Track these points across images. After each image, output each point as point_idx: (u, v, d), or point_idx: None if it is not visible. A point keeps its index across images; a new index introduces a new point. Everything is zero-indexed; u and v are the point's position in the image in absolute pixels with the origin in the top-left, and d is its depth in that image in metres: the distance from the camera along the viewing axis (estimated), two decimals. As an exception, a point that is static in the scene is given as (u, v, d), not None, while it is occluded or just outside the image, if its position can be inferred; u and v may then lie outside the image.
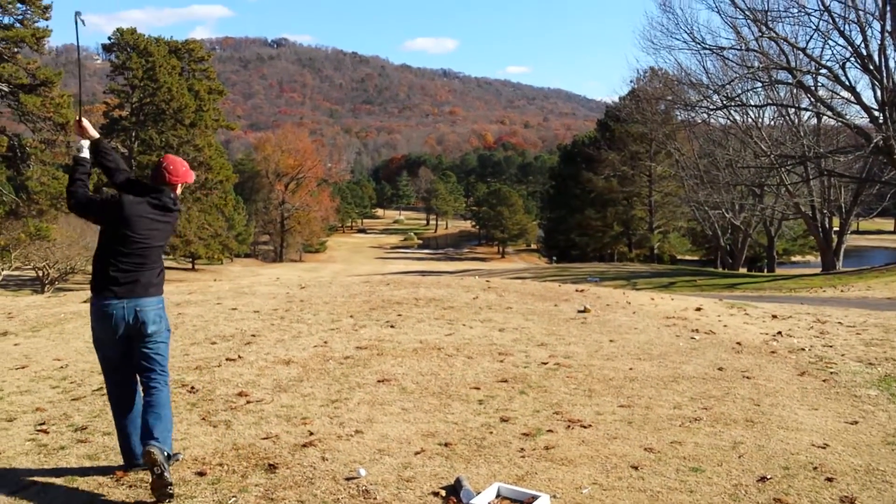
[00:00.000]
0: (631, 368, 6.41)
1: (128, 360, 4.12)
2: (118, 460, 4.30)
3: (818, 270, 32.63)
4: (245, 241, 67.50)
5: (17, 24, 33.61)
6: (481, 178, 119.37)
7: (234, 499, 3.81)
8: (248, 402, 5.35)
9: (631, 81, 50.41)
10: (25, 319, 8.73)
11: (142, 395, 4.14)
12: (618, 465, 4.32)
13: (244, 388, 5.69)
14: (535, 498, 3.80)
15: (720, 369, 6.45)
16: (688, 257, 59.78)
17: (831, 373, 6.48)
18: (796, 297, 15.91)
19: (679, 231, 57.00)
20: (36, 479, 4.01)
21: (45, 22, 34.78)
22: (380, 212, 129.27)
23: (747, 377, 6.22)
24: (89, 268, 37.15)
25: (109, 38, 49.72)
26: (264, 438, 4.65)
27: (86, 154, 4.19)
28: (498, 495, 3.91)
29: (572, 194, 57.30)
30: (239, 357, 6.60)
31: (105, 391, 4.36)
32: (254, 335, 7.49)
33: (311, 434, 4.70)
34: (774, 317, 10.04)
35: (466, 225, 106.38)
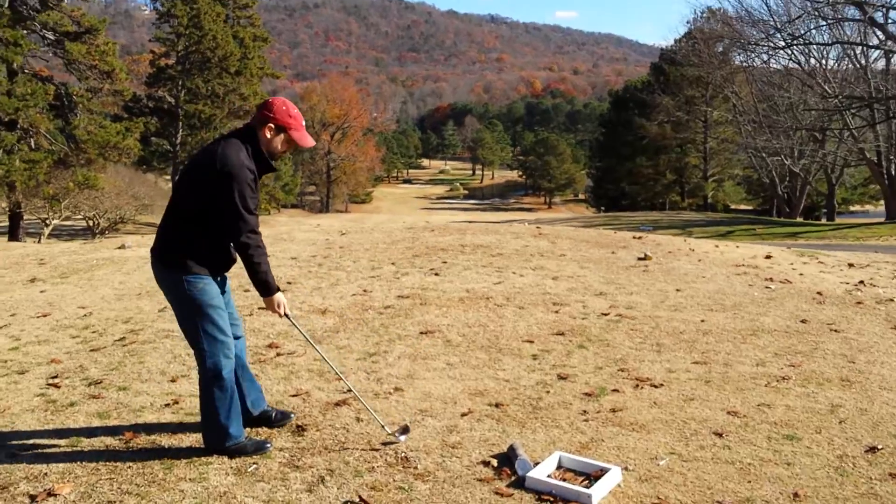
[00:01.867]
0: (703, 320, 5.75)
1: None
2: (130, 419, 3.87)
3: (882, 220, 31.02)
4: (292, 192, 67.59)
5: (61, -30, 33.33)
6: (528, 126, 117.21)
7: (254, 465, 3.33)
8: (279, 355, 4.87)
9: (688, 22, 48.22)
10: (56, 266, 8.43)
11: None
12: (698, 431, 3.72)
13: (275, 339, 5.22)
14: (603, 471, 3.23)
15: (803, 321, 5.75)
16: (742, 207, 57.89)
17: (931, 326, 5.73)
18: (867, 246, 14.87)
19: (734, 179, 55.06)
20: (37, 440, 3.59)
21: (90, -32, 34.43)
22: (425, 162, 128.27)
23: (835, 330, 5.51)
24: (139, 217, 37.58)
25: (158, -13, 49.36)
26: (293, 395, 4.17)
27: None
28: (559, 466, 3.36)
29: (623, 141, 55.52)
30: (272, 305, 6.13)
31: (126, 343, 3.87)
32: (289, 282, 7.01)
33: (347, 392, 4.19)
34: (851, 265, 9.22)
35: (513, 175, 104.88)
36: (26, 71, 31.30)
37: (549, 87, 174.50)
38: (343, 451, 3.47)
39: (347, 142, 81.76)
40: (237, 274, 6.75)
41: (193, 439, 3.59)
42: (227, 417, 3.40)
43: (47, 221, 32.35)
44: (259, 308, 6.07)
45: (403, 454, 3.43)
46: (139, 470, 3.27)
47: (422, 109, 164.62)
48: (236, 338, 3.65)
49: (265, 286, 3.44)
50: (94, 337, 5.42)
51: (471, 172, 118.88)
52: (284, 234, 10.27)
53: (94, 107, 36.99)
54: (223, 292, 3.58)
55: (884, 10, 24.23)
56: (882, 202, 42.18)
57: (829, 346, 5.13)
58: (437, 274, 7.36)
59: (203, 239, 3.34)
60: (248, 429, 3.61)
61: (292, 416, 3.84)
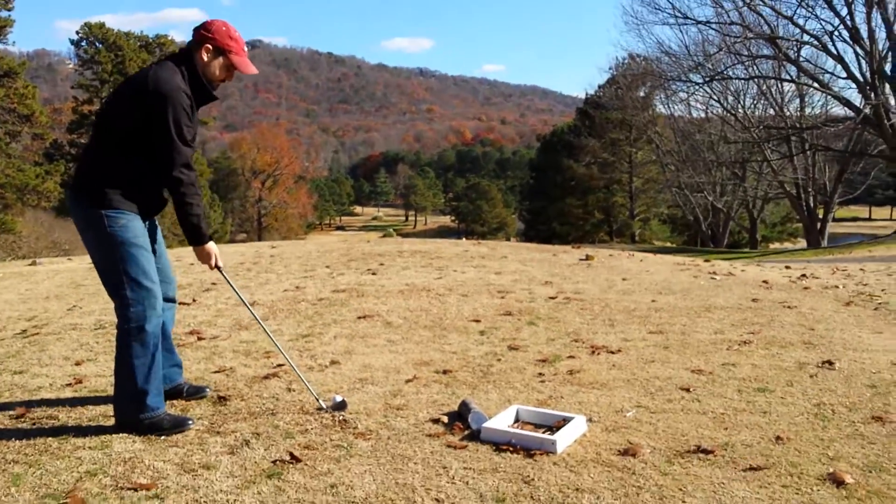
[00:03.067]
0: (653, 301, 5.52)
1: None
2: (24, 397, 3.34)
3: (804, 249, 32.10)
4: (221, 239, 65.98)
5: (-21, 15, 32.19)
6: (460, 173, 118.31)
7: (164, 434, 2.85)
8: (200, 340, 4.38)
9: (610, 68, 49.70)
10: (-45, 280, 7.67)
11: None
12: (663, 387, 3.42)
13: (196, 327, 4.72)
14: (566, 420, 2.89)
15: (755, 300, 5.57)
16: (668, 244, 59.29)
17: (880, 303, 5.64)
18: (796, 260, 15.13)
19: (660, 217, 56.54)
20: None
21: (8, 12, 33.42)
22: (358, 209, 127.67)
23: (788, 307, 5.35)
24: (54, 264, 35.88)
25: (77, 33, 48.15)
26: (216, 372, 3.70)
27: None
28: (517, 420, 2.99)
29: (553, 183, 56.51)
30: (194, 301, 5.62)
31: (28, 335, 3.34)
32: (214, 283, 6.49)
33: (276, 367, 3.75)
34: (788, 267, 9.25)
35: (446, 220, 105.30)
36: (-60, 113, 29.88)
37: (478, 137, 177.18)
38: (272, 416, 3.03)
39: (279, 189, 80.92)
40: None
41: (98, 412, 3.10)
42: (146, 381, 2.89)
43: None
44: (179, 303, 5.55)
45: (342, 417, 3.01)
46: (30, 441, 2.77)
47: (354, 158, 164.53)
48: (167, 299, 3.18)
49: (196, 232, 3.00)
50: (-11, 333, 4.81)
51: (404, 219, 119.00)
52: (210, 249, 9.71)
53: (12, 151, 35.50)
54: (154, 241, 3.12)
55: (796, 45, 25.35)
56: (800, 240, 43.86)
57: (786, 318, 4.94)
58: (374, 273, 6.95)
59: (129, 170, 2.89)
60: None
61: (207, 389, 3.36)
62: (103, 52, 47.84)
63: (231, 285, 3.31)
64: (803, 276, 7.52)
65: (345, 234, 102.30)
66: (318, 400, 3.14)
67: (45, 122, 36.73)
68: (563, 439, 2.73)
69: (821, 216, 33.43)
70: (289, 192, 79.42)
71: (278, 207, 76.07)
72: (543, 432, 2.84)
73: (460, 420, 2.95)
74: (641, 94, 44.26)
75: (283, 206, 76.79)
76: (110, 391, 3.36)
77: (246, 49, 3.08)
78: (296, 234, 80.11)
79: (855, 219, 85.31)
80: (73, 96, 54.48)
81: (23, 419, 3.02)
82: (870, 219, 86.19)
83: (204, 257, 3.08)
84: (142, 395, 2.88)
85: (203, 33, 2.98)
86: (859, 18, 23.92)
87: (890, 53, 23.95)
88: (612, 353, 4.00)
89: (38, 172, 33.70)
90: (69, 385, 3.51)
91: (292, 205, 78.03)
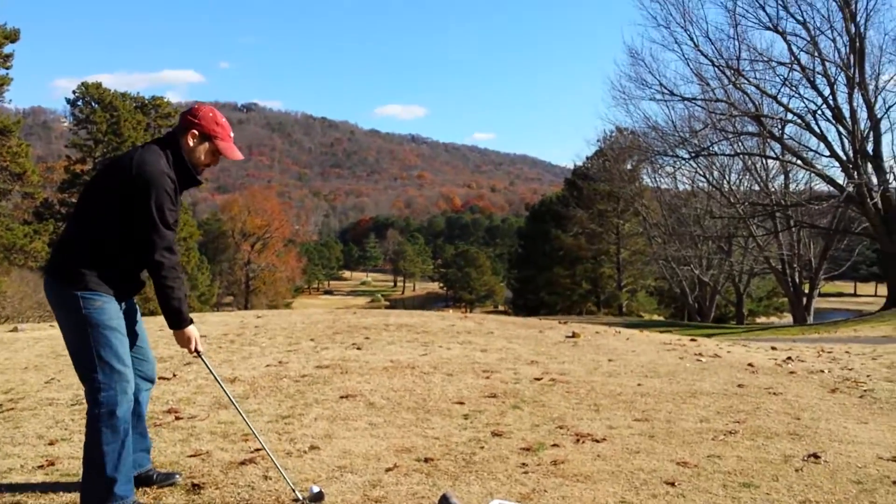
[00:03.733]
0: (639, 384, 5.47)
1: None
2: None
3: (790, 325, 32.19)
4: (208, 301, 65.56)
5: (-24, 73, 32.62)
6: (449, 240, 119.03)
7: (137, 525, 2.77)
8: (178, 419, 4.30)
9: (598, 141, 50.65)
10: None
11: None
12: (648, 481, 3.36)
13: (175, 405, 4.63)
14: (549, 518, 2.83)
15: (740, 386, 5.54)
16: (655, 317, 59.34)
17: (865, 390, 5.62)
18: (781, 339, 15.15)
19: (647, 289, 56.76)
20: None
21: (6, 70, 33.91)
22: (347, 273, 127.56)
23: (774, 393, 5.32)
24: (36, 331, 35.39)
25: (74, 93, 48.72)
26: (191, 456, 3.61)
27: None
28: (498, 516, 2.93)
29: (541, 252, 56.88)
30: (174, 375, 5.54)
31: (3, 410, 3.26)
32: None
33: (254, 451, 3.67)
34: (774, 348, 9.24)
35: (434, 286, 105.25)
36: (-70, 169, 29.95)
37: (468, 204, 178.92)
38: (247, 507, 2.95)
39: (268, 252, 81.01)
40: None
41: (68, 499, 3.01)
42: (116, 469, 2.82)
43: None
44: (159, 378, 5.46)
45: (319, 509, 2.94)
46: (-9, 531, 2.67)
47: (344, 222, 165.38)
48: (146, 379, 3.14)
49: (177, 316, 2.97)
50: (-40, 405, 4.70)
51: (392, 284, 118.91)
52: (196, 317, 9.58)
53: (1, 209, 35.52)
54: (134, 322, 3.09)
55: (780, 123, 25.98)
56: (786, 314, 44.03)
57: (771, 406, 4.91)
58: (359, 348, 6.89)
59: (107, 253, 2.88)
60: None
61: (177, 476, 3.27)
62: (99, 112, 48.36)
63: (210, 370, 3.27)
64: (789, 358, 7.51)
65: (333, 297, 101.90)
66: (294, 491, 3.07)
67: (37, 181, 36.87)
68: (545, 539, 2.67)
69: (806, 291, 33.65)
70: (278, 256, 79.48)
71: (267, 271, 75.94)
72: (525, 530, 2.78)
73: (440, 515, 2.88)
74: (629, 166, 45.08)
75: (271, 270, 76.68)
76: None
77: (232, 135, 3.12)
78: (283, 298, 79.88)
79: (840, 294, 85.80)
80: (66, 155, 54.83)
81: (-11, 506, 2.92)
82: (855, 294, 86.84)
83: (184, 342, 3.05)
84: (111, 483, 2.81)
85: (190, 119, 3.02)
86: (841, 98, 24.65)
87: (871, 133, 24.59)
88: (597, 441, 3.95)
89: (27, 231, 33.64)
90: (41, 467, 3.42)
91: (281, 268, 77.94)
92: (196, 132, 3.01)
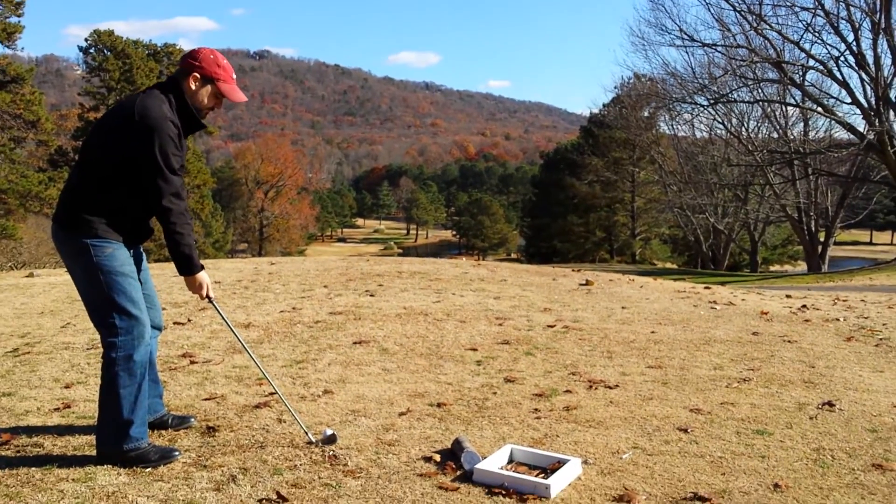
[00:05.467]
0: (653, 332, 5.46)
1: None
2: (11, 422, 3.29)
3: (804, 273, 32.02)
4: (222, 248, 66.02)
5: (-11, 20, 32.31)
6: (462, 188, 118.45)
7: (150, 467, 2.80)
8: (193, 363, 4.33)
9: (615, 87, 49.80)
10: (-50, 291, 7.63)
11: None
12: (661, 427, 3.36)
13: (190, 349, 4.67)
14: (561, 463, 2.83)
15: (755, 334, 5.51)
16: (668, 265, 59.22)
17: (881, 339, 5.57)
18: (796, 287, 15.07)
19: (661, 237, 56.51)
20: None
21: (17, 18, 33.58)
22: (360, 221, 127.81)
23: (788, 341, 5.29)
24: (58, 270, 35.87)
25: (86, 40, 48.29)
26: (206, 399, 3.64)
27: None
28: (511, 460, 2.94)
29: (555, 200, 56.58)
30: (189, 321, 5.57)
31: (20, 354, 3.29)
32: (210, 302, 6.44)
33: (269, 395, 3.69)
34: (789, 296, 9.17)
35: (447, 234, 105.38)
36: (-55, 116, 29.96)
37: (482, 152, 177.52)
38: (260, 449, 2.98)
39: (281, 200, 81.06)
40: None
41: (84, 441, 3.04)
42: (132, 412, 2.84)
43: (-43, 271, 30.42)
44: (174, 322, 5.50)
45: (332, 452, 2.96)
46: (12, 470, 2.71)
47: (357, 171, 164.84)
48: (154, 327, 3.14)
49: (187, 262, 2.95)
50: (-21, 350, 4.76)
51: (405, 232, 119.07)
52: (210, 264, 9.64)
53: (16, 157, 35.59)
54: (139, 268, 3.08)
55: (801, 70, 25.39)
56: (800, 262, 43.80)
57: (786, 353, 4.88)
58: (372, 295, 6.90)
59: (114, 200, 2.84)
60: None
61: (192, 420, 3.30)
62: (111, 59, 48.00)
63: (222, 316, 3.26)
64: (804, 307, 7.45)
65: (346, 245, 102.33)
66: (307, 433, 3.09)
67: (51, 128, 36.82)
68: (557, 483, 2.68)
69: (822, 240, 33.39)
70: (291, 204, 79.54)
71: (280, 218, 76.13)
72: (537, 475, 2.78)
73: (453, 459, 2.89)
74: (646, 114, 44.38)
75: (285, 218, 76.85)
76: (98, 417, 3.32)
77: (234, 76, 3.05)
78: (297, 246, 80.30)
79: (856, 242, 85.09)
80: (79, 103, 54.67)
81: (7, 446, 2.96)
82: (871, 243, 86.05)
83: (195, 287, 3.04)
84: (126, 425, 2.83)
85: (190, 62, 2.95)
86: (865, 45, 24.06)
87: (894, 80, 24.01)
88: (610, 388, 3.95)
89: (42, 179, 33.73)
90: (57, 410, 3.46)
91: (294, 216, 78.09)
92: (198, 75, 2.94)
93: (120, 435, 2.83)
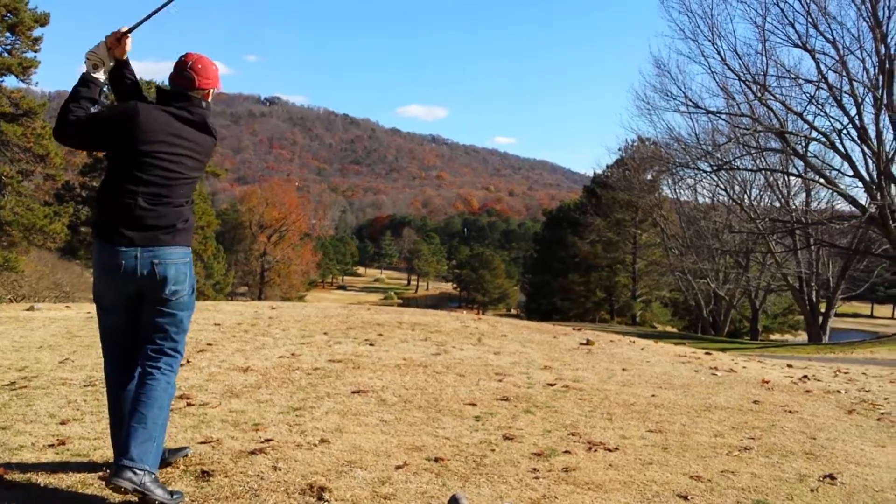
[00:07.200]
0: (654, 395, 5.42)
1: (134, 330, 3.03)
2: (4, 456, 3.25)
3: (805, 343, 31.86)
4: (222, 291, 65.82)
5: (5, 54, 32.93)
6: (465, 241, 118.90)
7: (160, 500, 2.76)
8: (189, 405, 4.29)
9: (619, 149, 50.34)
10: (-50, 321, 7.61)
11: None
12: (660, 493, 3.32)
13: (187, 391, 4.63)
14: (559, 525, 2.79)
15: (756, 402, 5.47)
16: (668, 328, 58.96)
17: (882, 413, 5.53)
18: (797, 357, 14.99)
19: (662, 300, 56.40)
20: None
21: (34, 53, 34.19)
22: (361, 270, 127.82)
23: (790, 411, 5.25)
24: (52, 311, 35.71)
25: (98, 78, 49.13)
26: (202, 443, 3.60)
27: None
28: (508, 520, 2.89)
29: (556, 258, 56.75)
30: (188, 362, 5.54)
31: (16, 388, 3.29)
32: (209, 344, 6.42)
33: (265, 441, 3.66)
34: (790, 366, 9.12)
35: (448, 287, 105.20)
36: (-46, 147, 30.24)
37: (485, 206, 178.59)
38: (255, 497, 2.94)
39: (284, 245, 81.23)
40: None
41: (77, 479, 3.00)
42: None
43: (-45, 301, 30.35)
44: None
45: (327, 503, 2.91)
46: (1, 506, 2.67)
47: (361, 219, 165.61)
48: None
49: (80, 82, 3.01)
50: (-25, 381, 4.72)
51: (406, 282, 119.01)
52: (210, 306, 9.63)
53: (23, 189, 35.83)
54: None
55: (804, 141, 25.72)
56: (801, 332, 43.60)
57: (787, 424, 4.84)
58: (371, 344, 6.87)
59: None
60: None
61: (188, 450, 3.35)
62: (124, 98, 48.63)
63: (143, 20, 3.16)
64: (805, 377, 7.41)
65: (346, 293, 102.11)
66: None
67: (59, 163, 37.15)
68: (555, 546, 2.63)
69: (823, 311, 33.32)
70: (294, 249, 79.70)
71: (282, 263, 76.19)
72: (534, 536, 2.74)
73: (449, 516, 2.85)
74: (649, 176, 44.83)
75: (286, 262, 76.92)
76: (92, 455, 3.29)
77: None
78: (297, 291, 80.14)
79: (857, 315, 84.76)
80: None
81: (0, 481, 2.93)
82: (872, 316, 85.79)
83: (106, 42, 3.09)
84: (160, 452, 2.90)
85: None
86: (868, 119, 24.33)
87: (896, 155, 24.29)
88: (610, 450, 3.91)
89: (47, 213, 33.91)
90: (51, 446, 3.42)
91: (296, 261, 78.17)
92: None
93: (158, 457, 2.86)
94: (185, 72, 3.05)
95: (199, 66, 3.08)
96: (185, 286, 3.03)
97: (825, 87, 24.30)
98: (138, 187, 2.90)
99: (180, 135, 2.97)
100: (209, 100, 3.12)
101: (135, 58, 3.32)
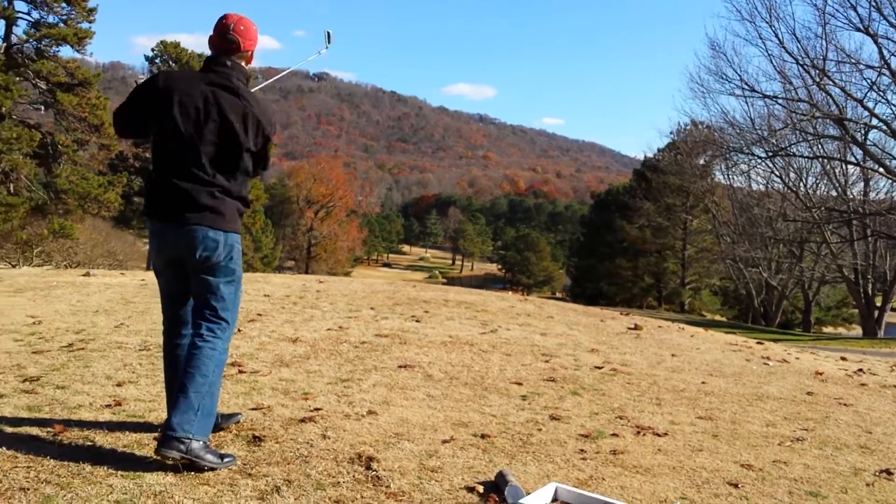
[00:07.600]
0: (704, 382, 5.34)
1: (181, 297, 3.07)
2: (63, 414, 3.35)
3: (859, 337, 31.04)
4: (270, 264, 66.89)
5: (61, 24, 33.63)
6: (510, 222, 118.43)
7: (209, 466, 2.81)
8: (241, 373, 4.37)
9: (671, 133, 49.25)
10: (12, 283, 7.87)
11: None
12: (710, 479, 3.27)
13: (239, 359, 4.72)
14: (607, 506, 2.76)
15: (809, 394, 5.35)
16: (717, 317, 58.01)
17: (943, 410, 5.34)
18: (851, 350, 14.62)
19: (711, 288, 55.40)
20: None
21: (89, 24, 34.79)
22: (406, 248, 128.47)
23: (844, 404, 5.11)
24: (107, 277, 36.73)
25: (152, 50, 49.81)
26: (253, 409, 3.67)
27: None
28: (555, 499, 2.88)
29: (603, 242, 56.09)
30: (239, 331, 5.64)
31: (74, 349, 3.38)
32: (260, 314, 6.53)
33: (314, 410, 3.70)
34: (844, 358, 8.88)
35: (492, 268, 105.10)
36: (14, 116, 31.06)
37: (532, 188, 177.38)
38: (305, 463, 2.98)
39: (331, 220, 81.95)
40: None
41: (133, 439, 3.08)
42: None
43: (17, 267, 31.45)
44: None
45: (376, 473, 2.94)
46: (63, 461, 2.76)
47: (406, 197, 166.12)
48: None
49: None
50: (39, 342, 4.89)
51: (450, 262, 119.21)
52: (259, 277, 9.79)
53: (78, 158, 36.74)
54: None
55: (864, 128, 24.88)
56: (855, 326, 42.46)
57: (841, 416, 4.72)
58: (417, 320, 6.91)
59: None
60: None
61: (240, 416, 3.41)
62: (176, 68, 49.39)
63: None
64: (860, 370, 7.21)
65: (391, 271, 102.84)
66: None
67: (113, 133, 37.90)
68: (603, 527, 2.62)
69: (879, 305, 32.36)
70: (340, 225, 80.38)
71: (328, 239, 76.94)
72: (582, 516, 2.72)
73: (496, 492, 2.85)
74: (701, 161, 43.85)
75: (333, 238, 77.65)
76: (148, 417, 3.37)
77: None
78: (342, 267, 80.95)
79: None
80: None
81: (60, 438, 3.02)
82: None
83: None
84: (212, 417, 2.92)
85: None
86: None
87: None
88: (659, 435, 3.86)
89: (101, 182, 34.72)
90: (108, 406, 3.52)
91: (342, 237, 78.86)
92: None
93: (210, 426, 2.89)
94: (229, 34, 2.93)
95: (242, 27, 2.95)
96: (218, 252, 2.90)
97: (887, 73, 23.43)
98: (168, 163, 2.88)
99: (210, 100, 2.84)
100: (251, 63, 3.08)
101: (185, 31, 3.34)
